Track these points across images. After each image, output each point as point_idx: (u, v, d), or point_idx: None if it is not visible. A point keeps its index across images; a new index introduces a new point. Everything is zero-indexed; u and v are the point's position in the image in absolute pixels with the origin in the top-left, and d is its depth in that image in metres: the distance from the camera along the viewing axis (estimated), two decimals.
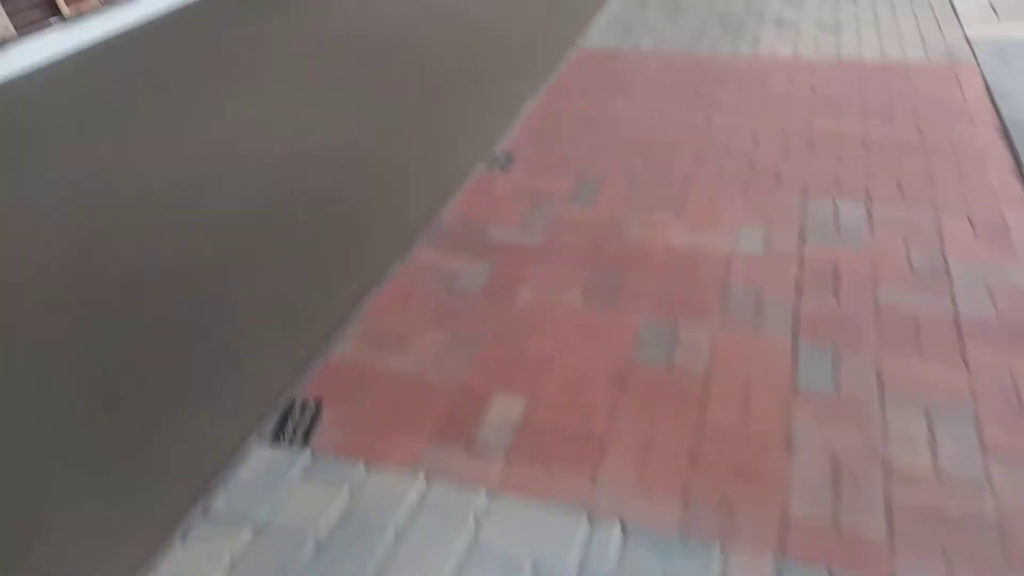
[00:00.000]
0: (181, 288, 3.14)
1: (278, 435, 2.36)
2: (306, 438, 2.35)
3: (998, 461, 2.16)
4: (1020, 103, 4.19)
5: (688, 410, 2.38)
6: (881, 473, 2.14)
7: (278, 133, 4.53)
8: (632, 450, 2.26)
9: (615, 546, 1.98)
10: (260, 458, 2.31)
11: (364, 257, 3.28)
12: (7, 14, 6.37)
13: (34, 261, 3.38)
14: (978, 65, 4.78)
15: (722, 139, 4.09)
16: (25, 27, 6.55)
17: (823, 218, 3.31)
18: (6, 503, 2.25)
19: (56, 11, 6.87)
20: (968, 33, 5.28)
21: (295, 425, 2.39)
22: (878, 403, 2.36)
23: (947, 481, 2.11)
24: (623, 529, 2.03)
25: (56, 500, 2.25)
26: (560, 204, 3.59)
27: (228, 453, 2.35)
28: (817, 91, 4.58)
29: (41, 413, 2.55)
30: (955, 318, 2.69)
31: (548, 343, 2.70)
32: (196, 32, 6.44)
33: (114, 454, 2.38)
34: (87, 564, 2.06)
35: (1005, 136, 3.89)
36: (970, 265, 2.95)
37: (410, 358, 2.67)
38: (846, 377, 2.47)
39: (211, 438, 2.42)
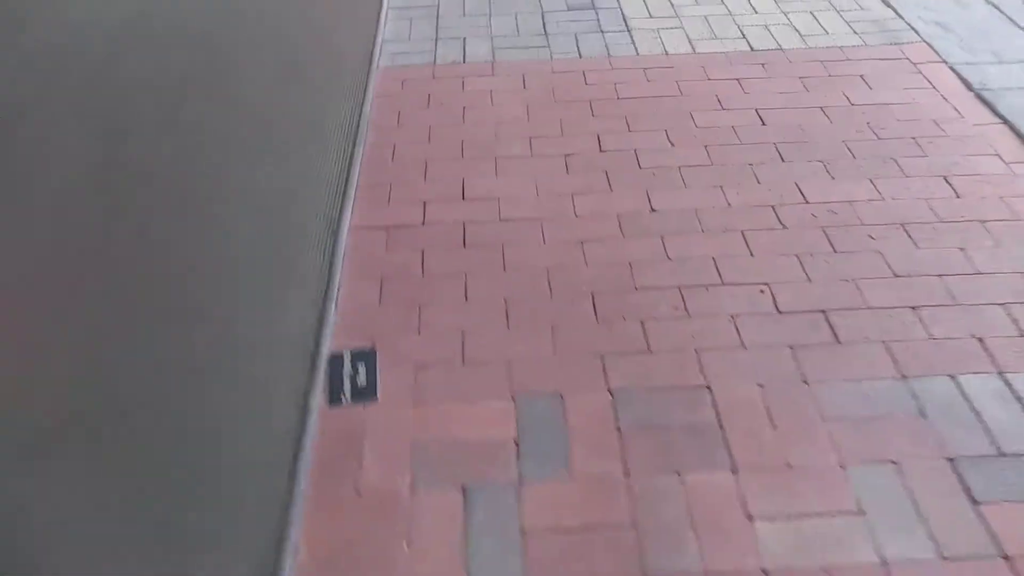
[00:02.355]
0: None
1: None
2: None
3: None
4: (1010, 85, 3.04)
5: None
6: None
7: None
8: None
9: None
10: None
11: None
12: None
13: None
14: (925, 41, 3.57)
15: (691, 252, 2.50)
16: None
17: None
18: None
19: None
20: None
21: None
22: None
23: None
24: None
25: None
26: (512, 488, 1.84)
27: None
28: (766, 120, 3.11)
29: None
30: None
31: None
32: None
33: None
34: None
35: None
36: None
37: None
38: None
39: None
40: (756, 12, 3.93)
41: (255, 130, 2.88)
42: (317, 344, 2.16)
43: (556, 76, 3.46)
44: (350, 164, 2.88)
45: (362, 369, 2.13)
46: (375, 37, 3.73)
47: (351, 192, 2.76)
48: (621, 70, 3.48)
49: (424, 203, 2.74)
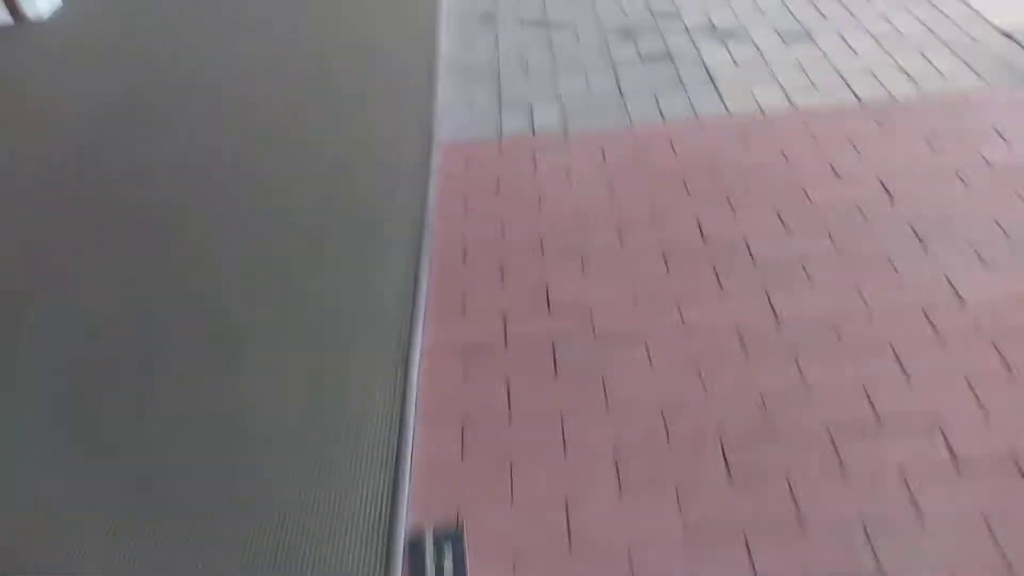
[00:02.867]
0: None
1: None
2: None
3: None
4: None
5: None
6: None
7: None
8: None
9: None
10: None
11: None
12: None
13: None
14: None
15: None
16: None
17: None
18: None
19: None
20: (1002, 26, 3.56)
21: None
22: None
23: None
24: None
25: None
26: None
27: None
28: (893, 192, 2.66)
29: None
30: None
31: None
32: None
33: None
34: None
35: None
36: None
37: None
38: None
39: None
40: (856, 54, 3.48)
41: (302, 242, 2.54)
42: (392, 525, 1.78)
43: (639, 145, 3.06)
44: (417, 269, 2.51)
45: (448, 555, 1.74)
46: (431, 107, 3.38)
47: (420, 304, 2.39)
48: (712, 133, 3.06)
49: (504, 315, 2.36)
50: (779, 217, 2.62)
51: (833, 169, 2.81)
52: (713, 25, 3.82)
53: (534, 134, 3.21)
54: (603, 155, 3.03)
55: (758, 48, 3.60)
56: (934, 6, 3.79)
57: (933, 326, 2.18)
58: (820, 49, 3.55)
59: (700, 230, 2.61)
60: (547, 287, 2.45)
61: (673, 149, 3.02)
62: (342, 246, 2.63)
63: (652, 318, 2.30)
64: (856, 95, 3.21)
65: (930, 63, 3.36)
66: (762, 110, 3.18)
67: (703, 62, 3.54)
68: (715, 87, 3.36)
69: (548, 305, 2.39)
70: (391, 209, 2.79)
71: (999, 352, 2.08)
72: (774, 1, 3.99)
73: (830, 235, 2.52)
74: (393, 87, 3.54)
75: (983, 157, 2.79)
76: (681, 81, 3.43)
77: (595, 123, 3.23)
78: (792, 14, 3.87)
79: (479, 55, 3.81)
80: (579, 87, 3.48)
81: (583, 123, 3.23)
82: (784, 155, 2.91)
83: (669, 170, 2.90)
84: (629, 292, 2.40)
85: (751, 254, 2.49)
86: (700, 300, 2.34)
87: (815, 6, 3.92)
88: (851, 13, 3.82)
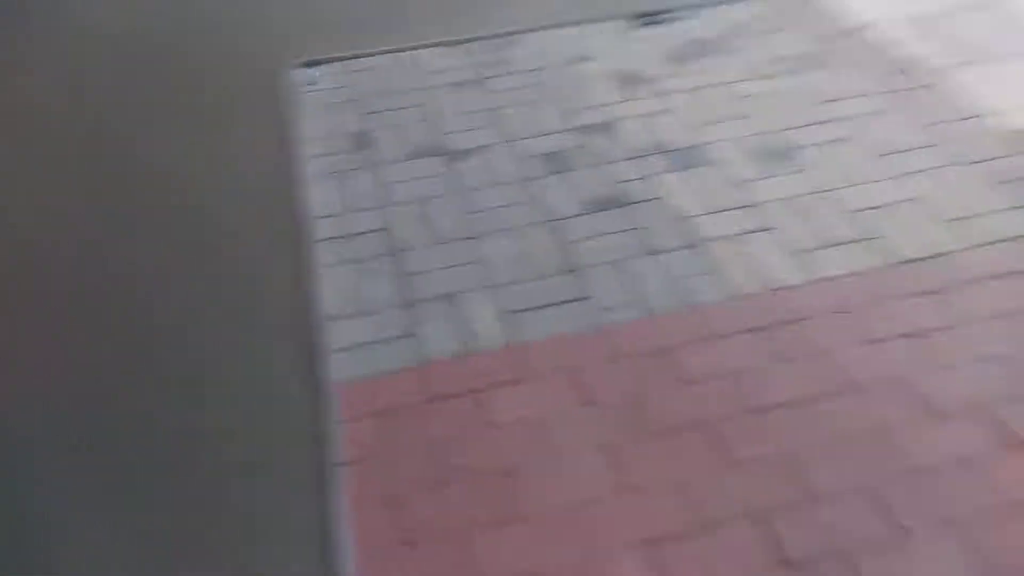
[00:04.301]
0: None
1: None
2: None
3: None
4: None
5: None
6: None
7: None
8: None
9: None
10: None
11: None
12: None
13: None
14: None
15: None
16: None
17: None
18: None
19: None
20: None
21: None
22: None
23: None
24: None
25: None
26: None
27: None
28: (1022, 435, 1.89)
29: None
30: None
31: None
32: None
33: None
34: None
35: None
36: None
37: None
38: None
39: None
40: (875, 181, 2.71)
41: None
42: None
43: (625, 364, 2.13)
44: None
45: None
46: (309, 315, 2.28)
47: None
48: (722, 336, 2.18)
49: None
50: (876, 500, 1.76)
51: (924, 401, 1.99)
52: (661, 143, 2.95)
53: (469, 352, 2.19)
54: (581, 388, 2.07)
55: (730, 178, 2.76)
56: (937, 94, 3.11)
57: None
58: (817, 175, 2.75)
59: (776, 540, 1.70)
60: None
61: (680, 369, 2.10)
62: None
63: None
64: (898, 253, 2.42)
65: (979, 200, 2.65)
66: (772, 289, 2.33)
67: (669, 205, 2.66)
68: (698, 250, 2.48)
69: None
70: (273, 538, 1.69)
71: None
72: (716, 94, 3.16)
73: (953, 530, 1.68)
74: (245, 295, 2.41)
75: None
76: (650, 244, 2.52)
77: (551, 323, 2.26)
78: (746, 117, 3.05)
79: (361, 210, 2.73)
80: (511, 260, 2.49)
81: (534, 325, 2.26)
82: (836, 366, 2.09)
83: (683, 410, 1.99)
84: None
85: None
86: None
87: (776, 100, 3.13)
88: (828, 118, 3.06)
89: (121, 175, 2.91)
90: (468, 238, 2.58)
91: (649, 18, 3.57)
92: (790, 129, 2.95)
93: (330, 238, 2.61)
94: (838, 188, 2.69)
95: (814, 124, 2.96)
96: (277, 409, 2.05)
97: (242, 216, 2.71)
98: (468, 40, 3.51)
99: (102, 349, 2.26)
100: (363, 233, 2.63)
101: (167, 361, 2.22)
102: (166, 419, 2.05)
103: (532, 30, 3.53)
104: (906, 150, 2.81)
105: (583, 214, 2.65)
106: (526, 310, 2.32)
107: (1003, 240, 2.42)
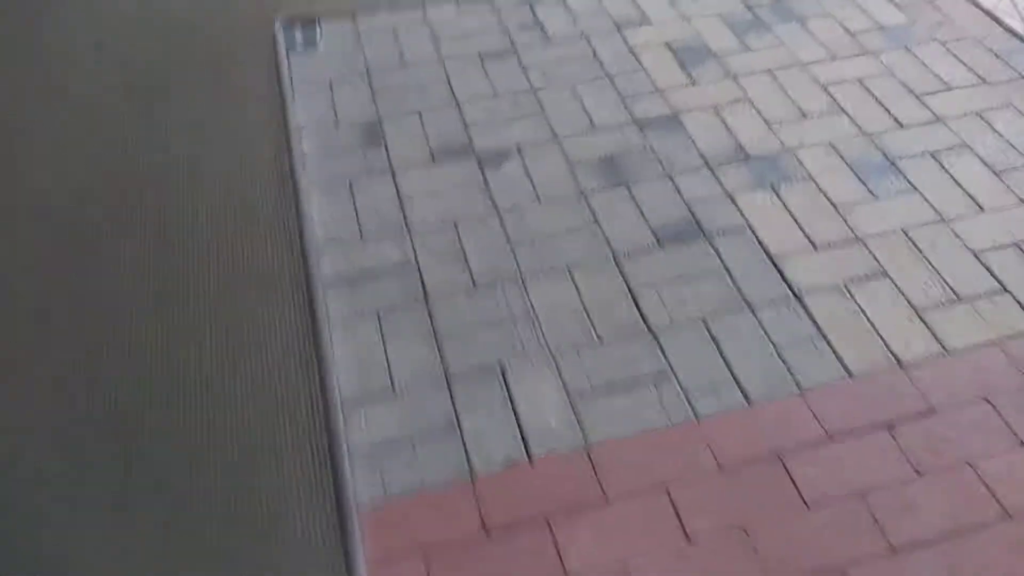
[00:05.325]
0: None
1: None
2: None
3: None
4: None
5: None
6: None
7: None
8: None
9: None
10: None
11: None
12: None
13: None
14: None
15: None
16: None
17: None
18: None
19: None
20: None
21: None
22: None
23: None
24: None
25: None
26: None
27: None
28: None
29: None
30: None
31: None
32: None
33: None
34: None
35: None
36: None
37: None
38: None
39: None
40: (1000, 209, 2.24)
41: None
42: None
43: (725, 480, 1.69)
44: None
45: None
46: (324, 403, 1.82)
47: None
48: (841, 435, 1.75)
49: None
50: None
51: None
52: (740, 146, 2.42)
53: (531, 460, 1.75)
54: (677, 513, 1.65)
55: (830, 200, 2.26)
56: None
57: None
58: (927, 200, 2.26)
59: None
60: None
61: (795, 487, 1.68)
62: None
63: None
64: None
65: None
66: (899, 361, 1.89)
67: (759, 241, 2.17)
68: (804, 307, 2.02)
69: None
70: None
71: None
72: (799, 79, 2.62)
73: None
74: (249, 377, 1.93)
75: None
76: (741, 293, 2.05)
77: (627, 412, 1.82)
78: (848, 114, 2.52)
79: (375, 234, 2.21)
80: (568, 311, 2.01)
81: (609, 422, 1.81)
82: (995, 497, 1.66)
83: (813, 561, 1.57)
84: None
85: None
86: None
87: (866, 90, 2.59)
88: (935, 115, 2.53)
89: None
90: (512, 280, 2.09)
91: None
92: (890, 131, 2.43)
93: (339, 278, 2.10)
94: (962, 216, 2.20)
95: (917, 125, 2.44)
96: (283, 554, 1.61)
97: (226, 241, 2.18)
98: None
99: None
100: (380, 270, 2.12)
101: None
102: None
103: None
104: None
105: (654, 248, 2.15)
106: (593, 392, 1.86)
107: None
